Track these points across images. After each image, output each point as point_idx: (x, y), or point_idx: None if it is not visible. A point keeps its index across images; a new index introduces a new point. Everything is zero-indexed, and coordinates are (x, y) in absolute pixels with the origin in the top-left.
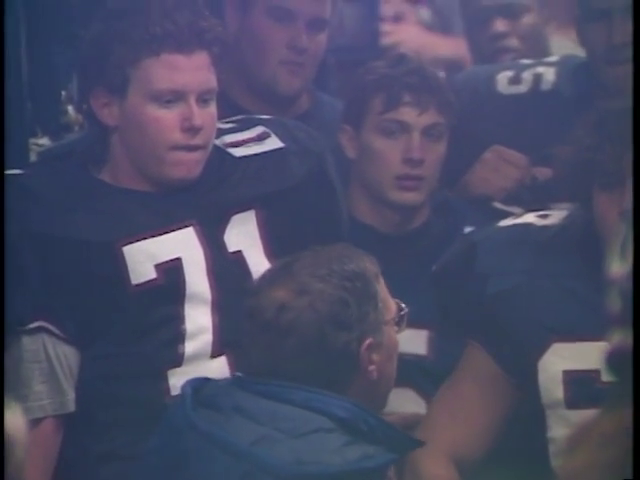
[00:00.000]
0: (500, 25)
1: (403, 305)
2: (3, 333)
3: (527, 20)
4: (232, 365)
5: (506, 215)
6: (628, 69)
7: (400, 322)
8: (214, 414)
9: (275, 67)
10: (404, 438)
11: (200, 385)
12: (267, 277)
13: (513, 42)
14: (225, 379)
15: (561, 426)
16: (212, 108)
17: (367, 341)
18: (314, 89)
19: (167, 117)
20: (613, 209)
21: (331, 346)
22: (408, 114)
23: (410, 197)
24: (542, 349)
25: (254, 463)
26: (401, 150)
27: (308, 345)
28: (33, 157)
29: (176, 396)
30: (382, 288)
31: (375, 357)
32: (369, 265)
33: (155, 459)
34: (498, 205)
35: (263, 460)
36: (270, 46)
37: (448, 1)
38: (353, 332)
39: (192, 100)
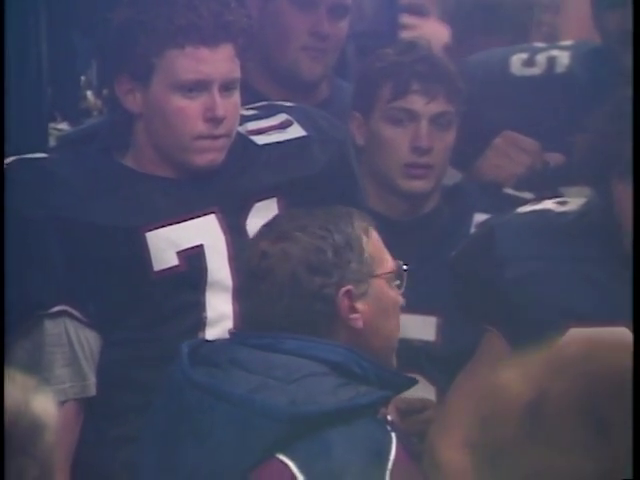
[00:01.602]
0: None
1: (404, 266)
2: (3, 329)
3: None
4: None
5: (517, 201)
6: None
7: (400, 282)
8: (211, 369)
9: (297, 53)
10: (398, 378)
11: (197, 345)
12: (260, 231)
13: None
14: (221, 338)
15: None
16: (235, 98)
17: (346, 287)
18: (334, 75)
19: (190, 107)
20: (631, 197)
21: (305, 289)
22: (416, 102)
23: (418, 185)
24: (559, 334)
25: (251, 409)
26: (409, 138)
27: (282, 288)
28: (52, 142)
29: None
30: (373, 242)
31: (360, 306)
32: (357, 220)
33: (159, 416)
34: (509, 191)
35: (260, 405)
36: (292, 32)
37: None
38: (330, 278)
39: (215, 90)
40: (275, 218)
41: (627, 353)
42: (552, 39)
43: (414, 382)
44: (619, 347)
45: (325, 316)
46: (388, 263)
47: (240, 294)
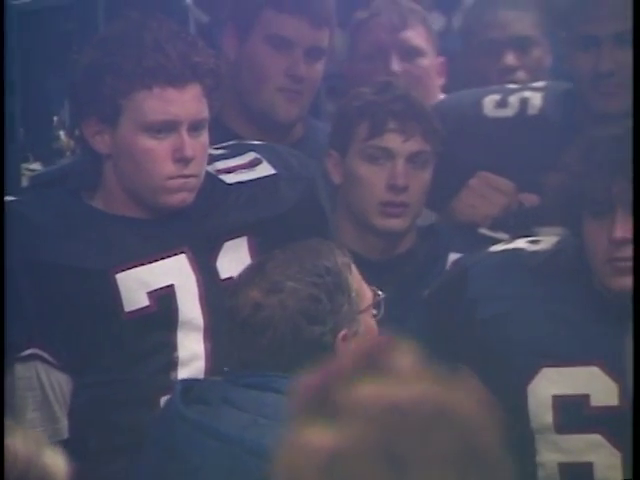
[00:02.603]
0: (510, 58)
1: (379, 291)
2: (4, 350)
3: (535, 53)
4: None
5: (492, 241)
6: (616, 98)
7: (378, 307)
8: (204, 407)
9: (273, 94)
10: None
11: (191, 385)
12: (243, 277)
13: (522, 75)
14: (214, 378)
15: (550, 451)
16: (204, 137)
17: (342, 332)
18: (308, 115)
19: (159, 148)
20: (603, 236)
21: (306, 340)
22: (393, 141)
23: (394, 223)
24: (532, 374)
25: (240, 447)
26: (385, 177)
27: (283, 340)
28: (25, 182)
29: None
30: (355, 277)
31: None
32: (340, 257)
33: (150, 452)
34: (484, 231)
35: (249, 444)
36: (268, 73)
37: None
38: (327, 325)
39: (183, 131)
40: (260, 265)
41: (414, 385)
42: (520, 83)
43: None
44: (407, 381)
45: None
46: (367, 294)
47: (235, 345)
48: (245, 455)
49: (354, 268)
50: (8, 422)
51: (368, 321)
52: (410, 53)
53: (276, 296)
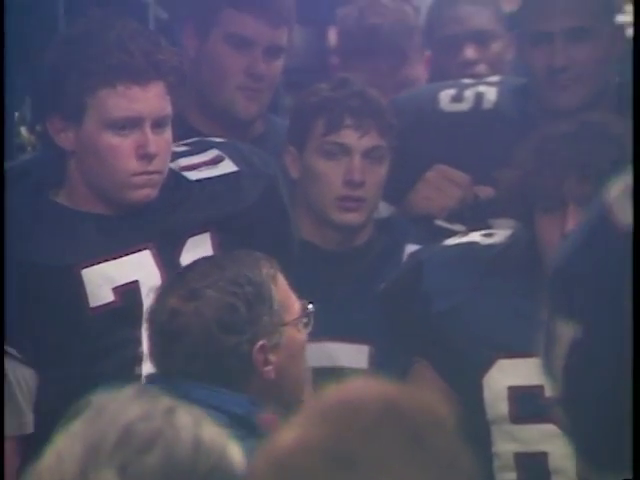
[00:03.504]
0: (470, 52)
1: (309, 305)
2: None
3: (495, 47)
4: None
5: (449, 233)
6: (570, 93)
7: (307, 322)
8: None
9: (233, 92)
10: None
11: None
12: (165, 284)
13: (482, 69)
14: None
15: (506, 441)
16: (167, 134)
17: (260, 343)
18: (267, 112)
19: (122, 145)
20: (554, 231)
21: (220, 349)
22: (349, 137)
23: (351, 218)
24: (487, 366)
25: None
26: (342, 172)
27: (197, 348)
28: None
29: None
30: (281, 290)
31: (272, 358)
32: (265, 269)
33: None
34: (441, 223)
35: None
36: (228, 72)
37: (407, 23)
38: (244, 335)
39: (147, 127)
40: (182, 272)
41: (380, 400)
42: (480, 76)
43: None
44: (372, 395)
45: (239, 371)
46: (295, 307)
47: (154, 351)
48: None
49: (281, 279)
50: (194, 413)
51: (293, 334)
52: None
53: (193, 303)
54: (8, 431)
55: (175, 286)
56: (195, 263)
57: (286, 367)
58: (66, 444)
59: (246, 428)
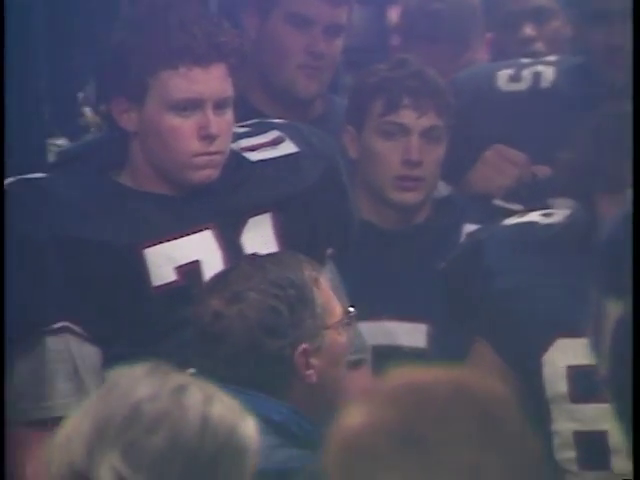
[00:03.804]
0: (529, 29)
1: (351, 308)
2: (4, 337)
3: (554, 24)
4: None
5: (506, 212)
6: (627, 72)
7: (348, 325)
8: None
9: (293, 72)
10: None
11: None
12: (207, 286)
13: (540, 46)
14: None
15: (565, 420)
16: (228, 115)
17: (302, 347)
18: (328, 92)
19: (184, 126)
20: (615, 211)
21: (263, 352)
22: (407, 117)
23: (409, 197)
24: (546, 345)
25: None
26: (400, 152)
27: (240, 352)
28: (51, 157)
29: None
30: (323, 293)
31: (314, 362)
32: (308, 272)
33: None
34: (498, 202)
35: None
36: (288, 51)
37: (469, 6)
38: (286, 339)
39: (209, 109)
40: (225, 274)
41: (450, 384)
42: (539, 54)
43: None
44: (441, 378)
45: (281, 375)
46: (337, 310)
47: (196, 354)
48: None
49: (323, 282)
50: (206, 391)
51: (334, 337)
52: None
53: (236, 306)
54: (73, 408)
55: (218, 288)
56: (237, 265)
57: (327, 371)
58: (76, 422)
59: (284, 436)
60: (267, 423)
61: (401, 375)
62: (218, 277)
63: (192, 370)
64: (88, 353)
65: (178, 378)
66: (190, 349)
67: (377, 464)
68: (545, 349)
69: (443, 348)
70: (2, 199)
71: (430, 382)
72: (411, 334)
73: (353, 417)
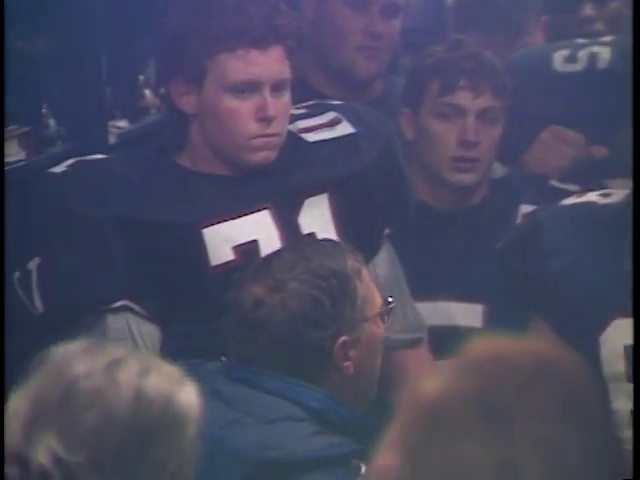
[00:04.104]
0: (588, 9)
1: (390, 299)
2: (4, 328)
3: (613, 5)
4: None
5: (562, 193)
6: None
7: (386, 316)
8: None
9: (352, 53)
10: (377, 431)
11: (190, 367)
12: (249, 272)
13: (599, 27)
14: (214, 364)
15: (623, 399)
16: (286, 97)
17: (342, 339)
18: (387, 73)
19: (242, 108)
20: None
21: (303, 343)
22: (464, 98)
23: (465, 178)
24: (604, 324)
25: (220, 446)
26: (457, 132)
27: (280, 341)
28: (112, 139)
29: None
30: (365, 284)
31: (352, 353)
32: (351, 262)
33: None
34: (555, 183)
35: (229, 444)
36: (347, 33)
37: None
38: (327, 330)
39: (266, 91)
40: (267, 261)
41: (516, 340)
42: (597, 34)
43: None
44: (526, 350)
45: (319, 366)
46: (377, 302)
47: (234, 340)
48: (224, 455)
49: (365, 273)
50: (142, 363)
51: (373, 329)
52: None
53: (278, 295)
54: None
55: (260, 275)
56: (280, 252)
57: (364, 362)
58: (13, 404)
59: (321, 423)
60: (305, 410)
61: (483, 345)
62: (260, 264)
63: (223, 359)
64: (147, 331)
65: (114, 353)
66: (229, 334)
67: (455, 432)
68: (603, 329)
69: (499, 328)
70: (2, 197)
71: (514, 354)
72: (468, 314)
73: (430, 385)
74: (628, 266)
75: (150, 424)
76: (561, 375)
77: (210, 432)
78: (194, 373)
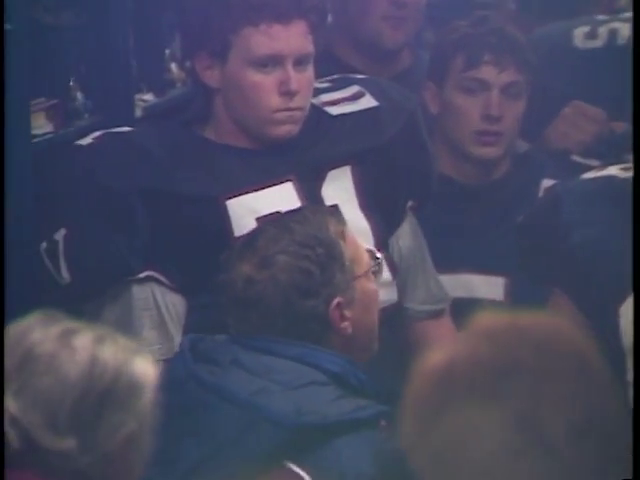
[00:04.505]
0: None
1: (378, 254)
2: (3, 325)
3: None
4: None
5: (584, 168)
6: None
7: (377, 270)
8: (213, 367)
9: (378, 22)
10: (392, 393)
11: (197, 340)
12: (235, 251)
13: (623, 2)
14: (221, 336)
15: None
16: (309, 72)
17: (335, 301)
18: (415, 46)
19: (265, 82)
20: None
21: (298, 312)
22: (488, 72)
23: (489, 151)
24: (623, 296)
25: (256, 413)
26: (481, 107)
27: (275, 314)
28: (138, 112)
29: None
30: (350, 244)
31: (348, 313)
32: (333, 225)
33: (158, 415)
34: (577, 158)
35: (265, 410)
36: (372, 3)
37: None
38: (319, 297)
39: (289, 65)
40: (252, 238)
41: (549, 328)
42: (618, 10)
43: None
44: (541, 322)
45: (318, 332)
46: (364, 258)
47: (231, 318)
48: (261, 422)
49: (349, 234)
50: (97, 332)
51: (365, 285)
52: None
53: (268, 270)
54: (158, 355)
55: (246, 253)
56: (263, 228)
57: (361, 319)
58: None
59: (344, 387)
60: (327, 374)
61: (498, 316)
62: (245, 242)
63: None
64: (172, 301)
65: (70, 324)
66: (225, 313)
67: (471, 394)
68: (622, 301)
69: (521, 301)
70: (2, 195)
71: (530, 322)
72: (489, 287)
73: (445, 352)
74: None
75: (103, 389)
76: (574, 341)
77: (242, 398)
78: (202, 346)
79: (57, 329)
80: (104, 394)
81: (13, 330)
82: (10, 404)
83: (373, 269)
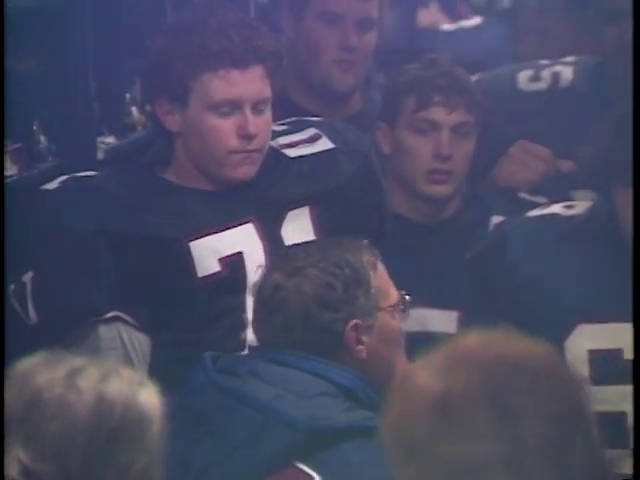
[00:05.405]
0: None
1: (407, 296)
2: (3, 335)
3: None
4: None
5: (532, 205)
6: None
7: (403, 311)
8: (232, 377)
9: (329, 66)
10: None
11: (217, 357)
12: (274, 261)
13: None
14: (240, 353)
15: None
16: (266, 115)
17: (353, 322)
18: (366, 88)
19: (224, 125)
20: (631, 206)
21: (316, 323)
22: (438, 113)
23: (440, 190)
24: (568, 330)
25: (273, 417)
26: (432, 146)
27: (295, 321)
28: (100, 155)
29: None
30: (380, 277)
31: (364, 338)
32: (367, 256)
33: (176, 416)
34: (524, 196)
35: (282, 414)
36: (323, 47)
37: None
38: (339, 313)
39: (247, 109)
40: (290, 251)
41: (518, 341)
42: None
43: None
44: (511, 336)
45: (332, 347)
46: (393, 295)
47: (257, 322)
48: (276, 424)
49: (381, 267)
50: (101, 369)
51: (387, 320)
52: None
53: (295, 279)
54: None
55: (280, 263)
56: (302, 244)
57: (378, 350)
58: None
59: (354, 400)
60: (337, 387)
61: (486, 343)
62: (283, 253)
63: (253, 345)
64: (138, 340)
65: (74, 362)
66: (252, 318)
67: (465, 430)
68: (567, 334)
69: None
70: (2, 200)
71: (519, 355)
72: (443, 321)
73: (435, 381)
74: (596, 270)
75: (113, 427)
76: (563, 376)
77: (260, 403)
78: (222, 360)
79: (62, 370)
80: (113, 432)
81: (17, 372)
82: (20, 454)
83: (400, 307)
